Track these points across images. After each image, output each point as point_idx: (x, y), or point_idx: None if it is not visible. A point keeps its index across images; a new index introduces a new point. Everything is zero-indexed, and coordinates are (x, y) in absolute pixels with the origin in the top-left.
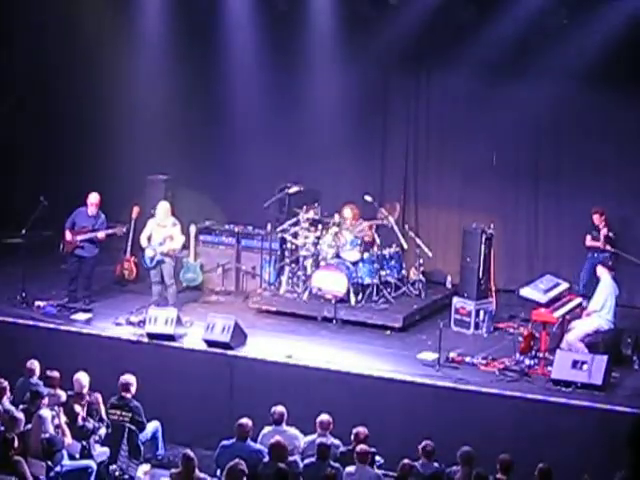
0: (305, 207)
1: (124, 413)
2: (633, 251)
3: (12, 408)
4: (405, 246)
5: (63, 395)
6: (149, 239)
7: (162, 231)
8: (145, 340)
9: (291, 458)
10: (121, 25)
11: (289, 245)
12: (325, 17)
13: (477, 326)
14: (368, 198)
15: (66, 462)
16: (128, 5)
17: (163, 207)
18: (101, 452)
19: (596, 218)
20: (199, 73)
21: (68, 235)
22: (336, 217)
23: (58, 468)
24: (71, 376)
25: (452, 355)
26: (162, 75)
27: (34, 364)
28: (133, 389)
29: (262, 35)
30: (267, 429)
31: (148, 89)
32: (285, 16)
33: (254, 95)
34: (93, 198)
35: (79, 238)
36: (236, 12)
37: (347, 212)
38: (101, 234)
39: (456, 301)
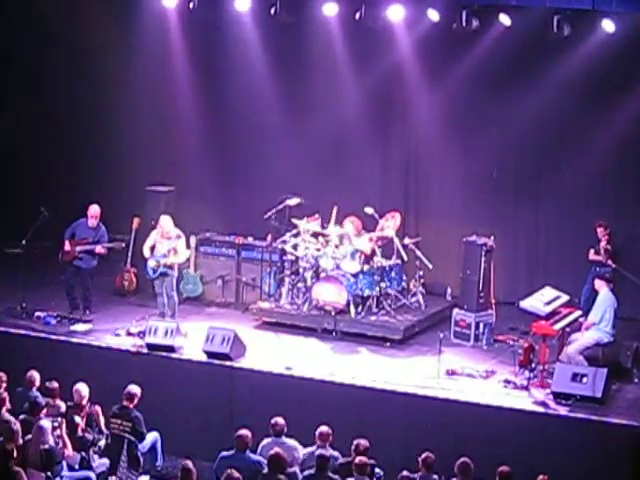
0: (305, 219)
1: (125, 423)
2: (635, 266)
3: (11, 419)
4: (405, 258)
5: (63, 406)
6: (152, 250)
7: (166, 243)
8: (145, 351)
9: (290, 470)
10: (121, 34)
11: (289, 257)
12: (327, 29)
13: (477, 338)
14: (369, 210)
15: (65, 473)
16: (128, 15)
17: (165, 221)
18: (100, 463)
19: (600, 231)
20: (200, 85)
21: (67, 245)
22: (337, 229)
23: (57, 479)
24: (71, 387)
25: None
26: (163, 87)
27: (34, 375)
28: (136, 400)
29: (262, 46)
30: (266, 440)
31: (148, 101)
32: (286, 28)
33: (255, 107)
34: (93, 210)
35: (78, 249)
36: (237, 23)
37: (348, 225)
38: (99, 248)
39: (456, 313)
